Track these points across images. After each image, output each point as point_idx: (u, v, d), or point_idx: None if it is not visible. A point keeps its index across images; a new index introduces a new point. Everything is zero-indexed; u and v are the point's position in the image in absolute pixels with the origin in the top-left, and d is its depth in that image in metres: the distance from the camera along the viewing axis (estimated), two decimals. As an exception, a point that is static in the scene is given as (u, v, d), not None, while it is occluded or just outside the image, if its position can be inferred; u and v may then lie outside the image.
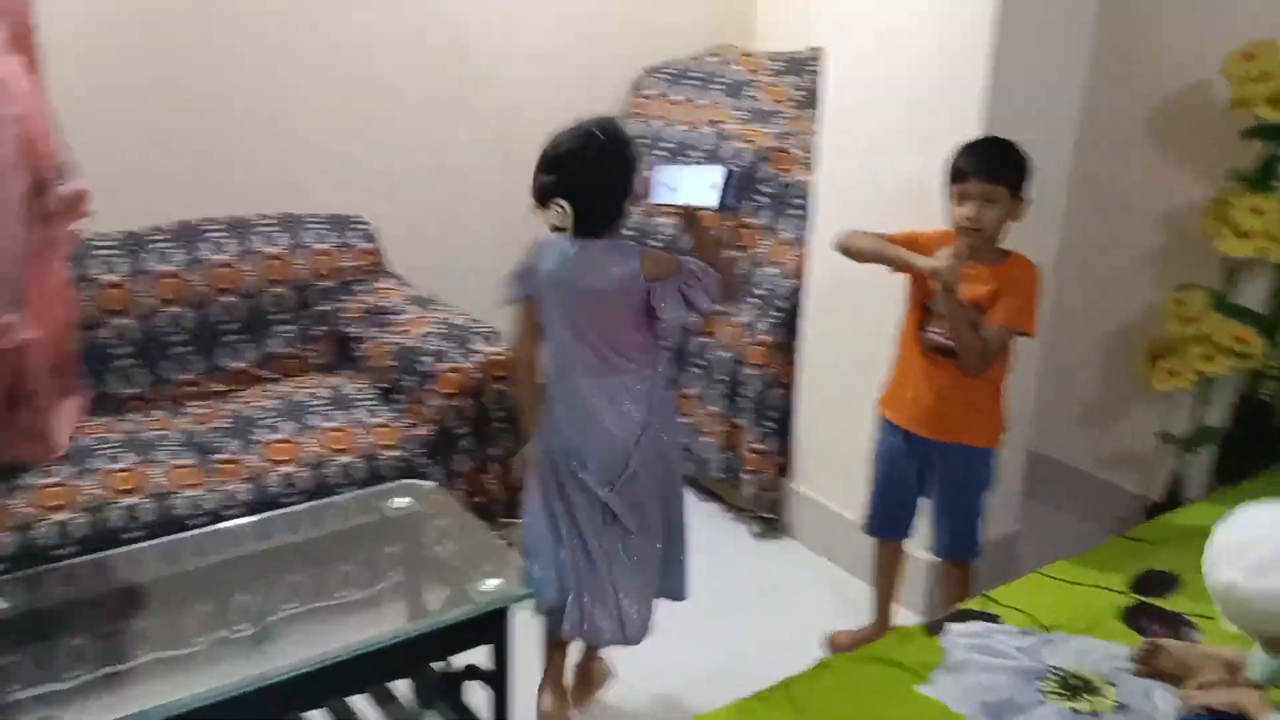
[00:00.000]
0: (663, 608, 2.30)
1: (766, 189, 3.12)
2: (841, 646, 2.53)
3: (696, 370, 3.24)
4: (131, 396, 2.77)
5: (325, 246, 3.06)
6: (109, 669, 1.89)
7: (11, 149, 2.22)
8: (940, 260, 2.17)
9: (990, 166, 2.22)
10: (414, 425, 2.70)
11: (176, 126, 3.02)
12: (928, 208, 2.39)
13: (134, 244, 2.83)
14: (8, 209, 2.22)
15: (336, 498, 2.45)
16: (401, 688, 2.21)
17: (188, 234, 2.91)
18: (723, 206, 2.10)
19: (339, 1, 3.20)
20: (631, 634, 2.22)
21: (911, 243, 2.31)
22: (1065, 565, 2.24)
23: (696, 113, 3.40)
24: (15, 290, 2.27)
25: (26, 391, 2.38)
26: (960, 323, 2.22)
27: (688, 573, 2.34)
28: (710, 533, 3.16)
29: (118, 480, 2.38)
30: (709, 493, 3.34)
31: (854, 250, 2.36)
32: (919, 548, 2.63)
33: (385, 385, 2.83)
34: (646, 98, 3.62)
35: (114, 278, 2.76)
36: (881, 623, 2.59)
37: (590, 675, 2.43)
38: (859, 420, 2.62)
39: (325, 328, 3.03)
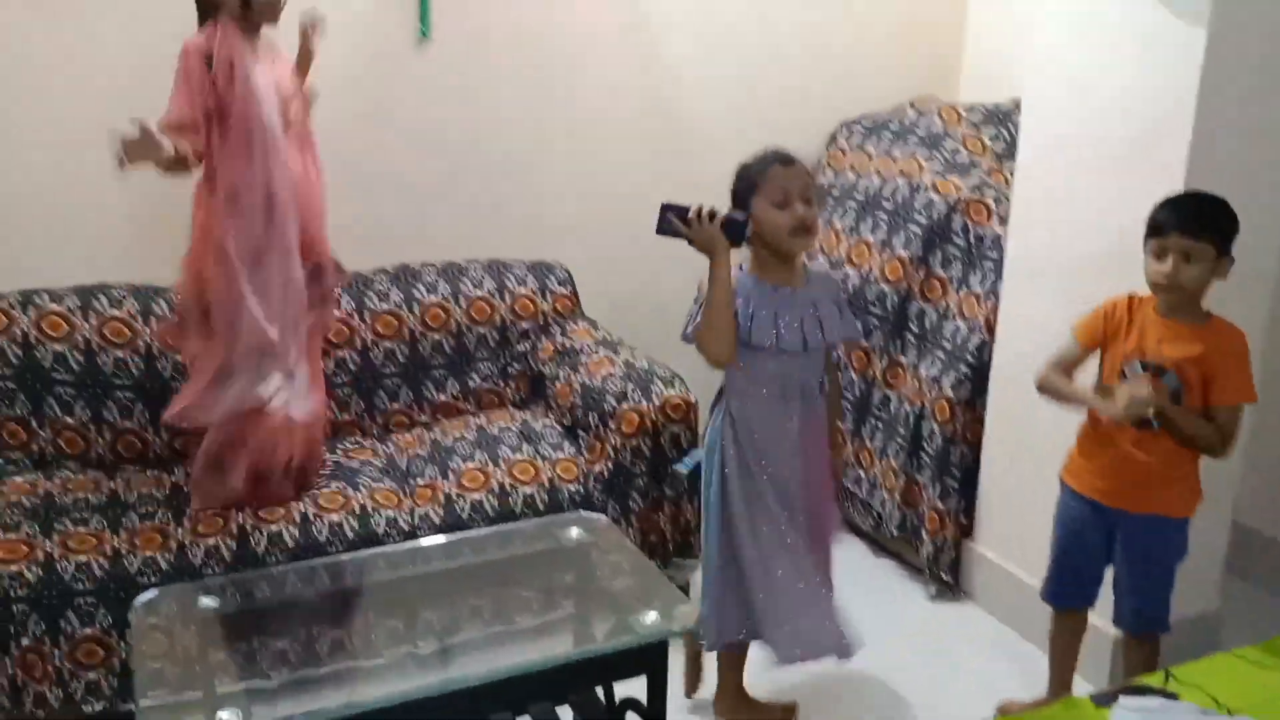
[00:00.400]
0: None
1: (959, 240, 3.07)
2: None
3: (877, 423, 3.21)
4: (346, 422, 3.03)
5: (526, 290, 3.25)
6: (305, 672, 2.07)
7: (294, 233, 2.52)
8: (1118, 407, 2.15)
9: (1192, 222, 2.12)
10: (594, 461, 2.82)
11: (394, 179, 3.28)
12: (1126, 264, 2.29)
13: (360, 283, 3.10)
14: (291, 288, 2.52)
15: (516, 524, 2.60)
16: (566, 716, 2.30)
17: (406, 275, 3.17)
18: (659, 230, 2.19)
19: (555, 59, 3.39)
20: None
21: (1098, 324, 2.28)
22: (1262, 647, 2.07)
23: (890, 165, 3.39)
24: (293, 366, 2.53)
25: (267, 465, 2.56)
26: (1189, 426, 2.16)
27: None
28: (884, 590, 3.11)
29: (326, 497, 2.61)
30: (885, 549, 3.28)
31: (1048, 394, 2.35)
32: (1103, 619, 2.49)
33: (570, 422, 2.97)
34: (842, 150, 3.64)
35: (339, 313, 3.02)
36: (1057, 695, 2.46)
37: (775, 710, 2.50)
38: (1048, 483, 2.52)
39: (521, 366, 3.21)
